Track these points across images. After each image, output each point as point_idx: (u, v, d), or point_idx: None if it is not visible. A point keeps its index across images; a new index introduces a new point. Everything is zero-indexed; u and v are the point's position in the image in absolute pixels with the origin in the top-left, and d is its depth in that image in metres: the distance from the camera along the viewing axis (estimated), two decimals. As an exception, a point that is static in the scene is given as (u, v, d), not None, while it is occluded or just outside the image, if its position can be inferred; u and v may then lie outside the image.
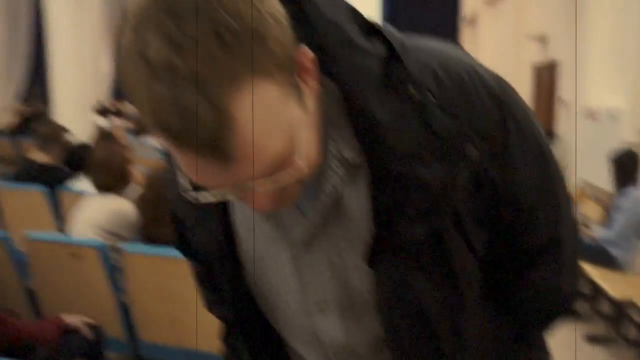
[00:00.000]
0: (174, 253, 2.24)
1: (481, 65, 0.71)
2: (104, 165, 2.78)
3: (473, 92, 0.67)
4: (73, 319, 2.24)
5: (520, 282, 0.79)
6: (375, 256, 0.69)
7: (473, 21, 13.78)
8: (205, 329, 2.29)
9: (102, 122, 9.07)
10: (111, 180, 2.73)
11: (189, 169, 0.57)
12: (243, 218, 0.77)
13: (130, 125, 6.77)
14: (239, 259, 0.79)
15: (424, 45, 0.70)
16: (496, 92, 0.69)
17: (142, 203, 2.48)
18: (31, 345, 1.95)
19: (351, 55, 0.64)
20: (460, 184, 0.66)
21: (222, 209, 0.76)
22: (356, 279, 0.73)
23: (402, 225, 0.66)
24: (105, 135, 3.58)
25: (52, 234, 2.52)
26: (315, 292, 0.76)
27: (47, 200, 3.46)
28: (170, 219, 0.85)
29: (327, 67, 0.65)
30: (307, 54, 0.60)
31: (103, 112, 9.72)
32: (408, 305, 0.71)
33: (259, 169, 0.56)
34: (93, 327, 2.31)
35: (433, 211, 0.66)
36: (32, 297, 2.64)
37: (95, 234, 2.57)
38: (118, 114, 9.96)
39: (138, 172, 3.08)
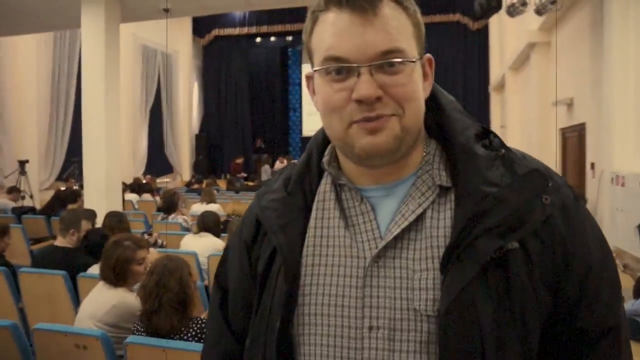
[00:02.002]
0: (173, 344, 2.28)
1: None
2: (106, 258, 2.89)
3: (550, 170, 0.83)
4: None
5: None
6: (447, 263, 0.77)
7: (501, 87, 13.90)
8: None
9: (134, 197, 9.39)
10: (113, 277, 2.84)
11: (337, 30, 0.77)
12: (320, 226, 0.87)
13: (160, 203, 6.96)
14: (300, 272, 0.85)
15: None
16: (568, 184, 0.84)
17: (144, 292, 2.52)
18: None
19: (463, 118, 0.86)
20: (532, 221, 0.77)
21: (304, 217, 0.87)
22: (421, 299, 0.78)
23: (477, 234, 0.76)
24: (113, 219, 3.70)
25: (57, 325, 2.58)
26: (373, 310, 0.80)
27: (66, 285, 3.56)
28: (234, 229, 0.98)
29: (441, 125, 0.86)
30: (430, 61, 0.85)
31: (136, 189, 10.05)
32: (465, 310, 0.74)
33: (384, 38, 0.76)
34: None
35: (507, 228, 0.76)
36: (38, 386, 2.68)
37: (96, 326, 2.63)
38: (150, 191, 10.28)
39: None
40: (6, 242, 4.33)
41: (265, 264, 0.88)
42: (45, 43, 11.36)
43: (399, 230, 0.81)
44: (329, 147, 0.90)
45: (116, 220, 4.19)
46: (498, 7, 7.25)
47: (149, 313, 2.49)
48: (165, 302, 2.47)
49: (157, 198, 8.86)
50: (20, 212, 7.15)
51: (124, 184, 10.21)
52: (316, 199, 0.89)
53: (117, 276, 2.85)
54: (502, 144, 0.84)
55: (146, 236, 4.63)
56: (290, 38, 16.57)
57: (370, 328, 0.79)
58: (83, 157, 6.57)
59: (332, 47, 0.77)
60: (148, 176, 13.06)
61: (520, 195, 0.78)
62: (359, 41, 0.76)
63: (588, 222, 0.83)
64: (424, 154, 0.86)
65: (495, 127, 12.90)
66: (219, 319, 0.97)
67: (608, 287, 0.81)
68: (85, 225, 4.07)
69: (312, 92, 0.86)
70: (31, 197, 9.86)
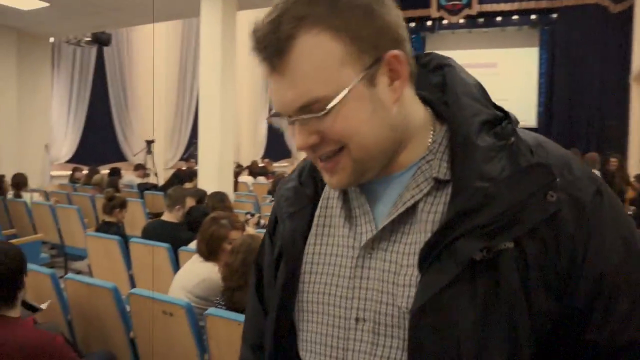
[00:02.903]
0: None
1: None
2: (202, 233, 3.05)
3: (574, 163, 0.75)
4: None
5: None
6: (425, 261, 0.73)
7: (641, 76, 12.67)
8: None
9: (249, 179, 9.79)
10: (206, 252, 3.00)
11: (270, 90, 0.74)
12: (324, 215, 0.87)
13: (270, 185, 7.20)
14: (302, 260, 0.87)
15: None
16: (594, 176, 0.76)
17: (229, 270, 2.63)
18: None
19: (472, 104, 0.77)
20: (528, 220, 0.70)
21: (312, 207, 0.88)
22: (403, 296, 0.76)
23: (460, 233, 0.70)
24: (214, 199, 3.87)
25: (149, 292, 2.78)
26: (361, 302, 0.79)
27: (169, 256, 3.82)
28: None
29: (450, 112, 0.79)
30: (402, 62, 0.73)
31: (253, 171, 10.48)
32: (442, 312, 0.70)
33: (297, 97, 0.71)
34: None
35: (495, 228, 0.69)
36: (133, 345, 2.91)
37: (186, 296, 2.79)
38: (265, 174, 10.67)
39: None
40: (123, 215, 4.72)
41: (279, 251, 0.90)
42: (175, 29, 12.14)
43: (387, 221, 0.78)
44: None
45: (218, 199, 4.41)
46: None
47: (232, 290, 2.60)
48: (246, 280, 2.56)
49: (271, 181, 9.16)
50: (144, 188, 7.77)
51: (240, 166, 10.71)
52: (325, 189, 0.89)
53: (209, 251, 3.00)
54: (514, 132, 0.76)
55: (249, 216, 4.82)
56: (413, 24, 16.22)
57: (357, 320, 0.79)
58: (198, 140, 6.95)
59: (274, 103, 0.77)
60: (266, 160, 13.55)
61: (515, 192, 0.70)
62: (279, 98, 0.74)
63: (610, 221, 0.73)
64: (431, 141, 0.81)
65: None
66: (254, 299, 1.01)
67: (628, 297, 0.71)
68: (189, 202, 4.32)
69: None
70: (156, 174, 10.67)
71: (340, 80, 0.70)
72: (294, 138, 0.75)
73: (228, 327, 2.42)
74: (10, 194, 7.29)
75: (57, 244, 6.37)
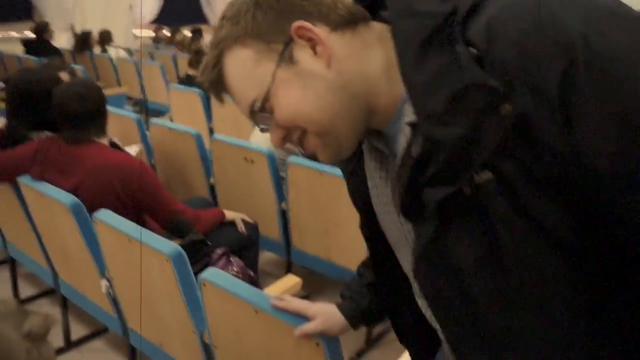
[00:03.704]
0: (332, 170, 2.30)
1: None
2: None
3: (532, 40, 0.57)
4: (233, 215, 2.46)
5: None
6: (408, 212, 0.71)
7: None
8: (352, 247, 2.34)
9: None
10: None
11: None
12: (372, 177, 0.88)
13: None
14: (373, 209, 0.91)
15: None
16: (569, 40, 0.55)
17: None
18: (190, 226, 2.19)
19: (404, 24, 0.67)
20: (488, 144, 0.60)
21: (363, 168, 0.90)
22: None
23: (423, 183, 0.66)
24: None
25: (232, 138, 2.75)
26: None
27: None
28: None
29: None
30: (310, 29, 0.71)
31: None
32: (442, 262, 0.70)
33: (244, 107, 0.76)
34: (250, 224, 2.51)
35: (452, 171, 0.63)
36: (212, 190, 2.96)
37: (268, 145, 2.74)
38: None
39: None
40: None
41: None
42: None
43: (394, 176, 0.74)
44: None
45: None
46: None
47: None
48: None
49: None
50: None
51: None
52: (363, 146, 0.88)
53: None
54: (458, 37, 0.62)
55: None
56: None
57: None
58: None
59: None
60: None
61: (459, 123, 0.60)
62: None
63: (594, 98, 0.54)
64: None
65: None
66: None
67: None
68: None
69: None
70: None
71: (262, 76, 0.73)
72: None
73: (308, 176, 2.37)
74: (96, 50, 7.45)
75: (139, 100, 6.53)
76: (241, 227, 2.44)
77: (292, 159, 2.44)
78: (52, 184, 2.11)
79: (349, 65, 0.72)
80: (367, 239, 0.98)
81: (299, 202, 2.50)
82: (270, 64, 0.73)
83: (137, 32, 10.14)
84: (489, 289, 0.67)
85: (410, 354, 1.08)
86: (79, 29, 8.22)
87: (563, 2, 0.58)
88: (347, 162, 0.92)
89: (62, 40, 8.44)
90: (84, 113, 2.13)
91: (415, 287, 0.87)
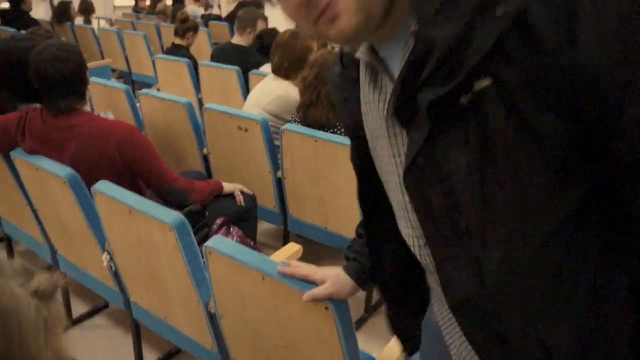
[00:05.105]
0: (325, 136, 2.29)
1: None
2: (285, 49, 2.91)
3: None
4: (230, 186, 2.45)
5: (634, 204, 0.63)
6: (402, 120, 0.72)
7: None
8: (349, 214, 2.35)
9: None
10: (292, 66, 2.86)
11: None
12: (364, 97, 0.86)
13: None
14: (365, 137, 0.91)
15: None
16: None
17: (303, 84, 2.54)
18: (186, 195, 2.18)
19: None
20: (482, 45, 0.60)
21: (356, 91, 0.88)
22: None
23: (416, 86, 0.66)
24: None
25: (224, 107, 2.72)
26: (402, 159, 0.79)
27: (238, 80, 3.74)
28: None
29: None
30: None
31: None
32: (431, 168, 0.70)
33: None
34: (248, 195, 2.51)
35: (445, 74, 0.63)
36: (206, 161, 2.94)
37: (260, 113, 2.73)
38: None
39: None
40: (194, 39, 4.62)
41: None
42: None
43: (392, 91, 0.72)
44: None
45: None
46: None
47: (307, 105, 2.52)
48: (323, 95, 2.47)
49: None
50: (207, 19, 7.56)
51: None
52: (360, 69, 0.86)
53: (292, 67, 2.89)
54: None
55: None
56: None
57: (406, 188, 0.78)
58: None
59: None
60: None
61: (452, 24, 0.61)
62: None
63: (594, 6, 0.55)
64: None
65: None
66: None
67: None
68: (260, 25, 4.14)
69: None
70: (219, 7, 10.38)
71: None
72: (287, 5, 0.70)
73: (303, 143, 2.36)
74: (78, 21, 7.27)
75: (124, 72, 6.42)
76: (240, 198, 2.44)
77: (287, 126, 2.43)
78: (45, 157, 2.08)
79: None
80: (356, 167, 0.98)
81: (295, 170, 2.49)
82: None
83: (117, 2, 9.91)
84: (477, 197, 0.67)
85: (392, 310, 1.09)
86: (56, -1, 8.01)
87: None
88: (342, 89, 0.91)
89: (39, 11, 8.23)
90: (63, 78, 2.02)
91: (402, 214, 0.86)
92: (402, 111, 0.71)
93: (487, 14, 0.59)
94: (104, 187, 1.79)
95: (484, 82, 0.61)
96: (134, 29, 7.12)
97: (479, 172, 0.66)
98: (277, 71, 2.95)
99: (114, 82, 3.60)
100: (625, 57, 0.55)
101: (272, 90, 2.88)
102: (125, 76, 6.45)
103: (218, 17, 8.21)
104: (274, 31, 4.03)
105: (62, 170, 1.95)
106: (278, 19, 5.42)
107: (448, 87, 0.63)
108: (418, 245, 0.85)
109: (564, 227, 0.66)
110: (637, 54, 0.55)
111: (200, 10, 8.35)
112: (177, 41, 4.52)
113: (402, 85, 0.68)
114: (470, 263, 0.71)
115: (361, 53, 0.80)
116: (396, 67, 0.74)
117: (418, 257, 0.87)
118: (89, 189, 1.86)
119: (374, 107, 0.83)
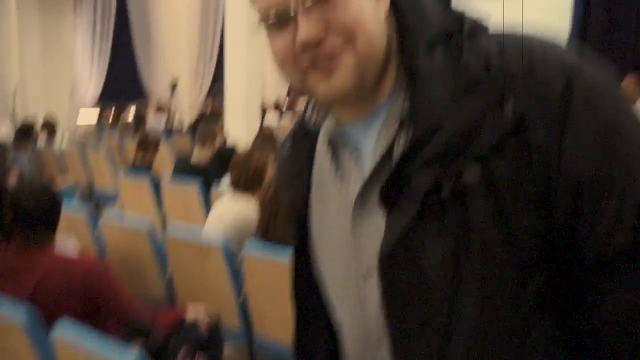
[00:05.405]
0: (287, 259, 2.34)
1: (571, 49, 0.70)
2: (241, 166, 2.99)
3: (537, 56, 0.67)
4: (194, 311, 2.45)
5: (587, 303, 0.67)
6: (388, 199, 0.70)
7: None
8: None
9: (273, 118, 9.71)
10: (249, 184, 2.94)
11: None
12: (319, 179, 0.84)
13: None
14: (308, 224, 0.87)
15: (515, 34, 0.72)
16: (568, 63, 0.67)
17: (260, 206, 2.60)
18: (147, 329, 2.17)
19: (418, 19, 0.72)
20: (481, 142, 0.65)
21: (307, 171, 0.85)
22: None
23: (415, 167, 0.67)
24: (262, 137, 3.81)
25: (186, 231, 2.77)
26: (365, 257, 0.77)
27: (200, 196, 3.81)
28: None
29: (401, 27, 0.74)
30: None
31: (277, 108, 10.37)
32: (408, 254, 0.69)
33: None
34: (212, 319, 2.51)
35: (447, 159, 0.66)
36: (169, 286, 2.94)
37: (222, 233, 2.78)
38: (291, 108, 10.56)
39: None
40: (154, 157, 4.73)
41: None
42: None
43: (368, 174, 0.74)
44: None
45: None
46: None
47: (264, 226, 2.57)
48: (280, 215, 2.52)
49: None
50: (169, 131, 7.75)
51: (266, 104, 10.59)
52: (316, 148, 0.86)
53: (249, 183, 2.95)
54: (467, 43, 0.69)
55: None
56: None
57: (365, 276, 0.77)
58: (224, 78, 6.83)
59: (264, 2, 0.71)
60: (290, 95, 13.37)
61: (463, 112, 0.65)
62: None
63: (586, 116, 0.64)
64: (396, 79, 0.75)
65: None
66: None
67: (615, 195, 0.63)
68: (219, 139, 4.27)
69: None
70: (180, 116, 10.60)
71: None
72: (287, 40, 0.70)
73: (265, 267, 2.41)
74: (40, 139, 7.37)
75: (87, 188, 6.45)
76: (204, 322, 2.44)
77: (246, 251, 2.47)
78: None
79: (384, 29, 0.73)
80: (297, 260, 0.90)
81: (258, 292, 2.51)
82: None
83: (81, 114, 10.09)
84: (448, 290, 0.68)
85: None
86: (20, 114, 8.13)
87: (554, 43, 0.70)
88: (291, 166, 0.88)
89: (1, 127, 8.31)
90: (40, 214, 2.05)
91: (354, 312, 0.81)
92: (388, 192, 0.70)
93: (497, 109, 0.65)
94: (63, 330, 1.77)
95: (475, 171, 0.65)
96: (97, 144, 7.23)
97: (453, 266, 0.67)
98: (235, 188, 3.02)
99: (75, 206, 3.63)
100: (608, 168, 0.64)
101: (230, 211, 2.94)
102: (88, 193, 6.48)
103: (180, 128, 8.42)
104: (232, 148, 4.17)
105: (19, 313, 1.92)
106: (238, 132, 5.62)
107: (448, 172, 0.65)
108: (366, 346, 0.80)
109: (525, 323, 0.68)
110: (619, 167, 0.64)
111: (162, 122, 8.57)
112: (139, 160, 4.62)
113: (396, 165, 0.69)
114: (432, 359, 0.71)
115: (326, 128, 0.81)
116: (367, 145, 0.75)
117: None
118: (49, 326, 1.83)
119: (332, 189, 0.82)
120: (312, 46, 0.68)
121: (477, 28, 0.72)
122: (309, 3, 0.67)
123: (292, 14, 0.68)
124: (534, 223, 0.65)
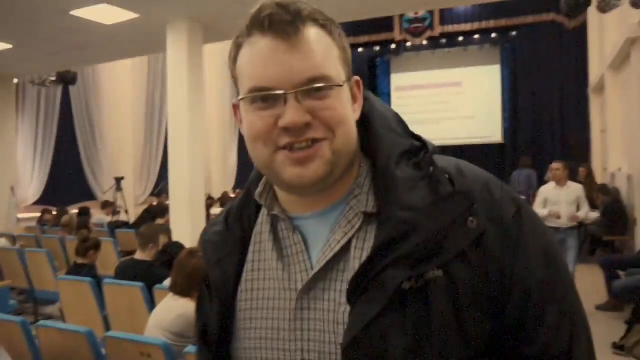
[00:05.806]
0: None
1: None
2: (180, 267, 2.98)
3: (493, 186, 0.79)
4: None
5: None
6: (353, 295, 0.73)
7: (600, 89, 13.04)
8: None
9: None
10: (187, 287, 2.91)
11: (261, 58, 0.75)
12: (257, 260, 0.85)
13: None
14: (236, 308, 0.85)
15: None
16: (516, 197, 0.80)
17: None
18: None
19: (390, 136, 0.81)
20: (451, 248, 0.72)
21: (241, 251, 0.86)
22: (344, 334, 0.74)
23: (386, 264, 0.71)
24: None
25: (124, 333, 2.69)
26: (305, 344, 0.79)
27: (143, 296, 3.72)
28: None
29: (370, 146, 0.82)
30: (359, 83, 0.83)
31: (225, 203, 10.38)
32: (371, 346, 0.71)
33: (310, 65, 0.74)
34: None
35: (419, 257, 0.71)
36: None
37: (163, 335, 2.72)
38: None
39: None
40: (97, 256, 4.61)
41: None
42: (141, 64, 12.08)
43: (324, 262, 0.78)
44: (264, 177, 0.87)
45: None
46: (586, 3, 6.71)
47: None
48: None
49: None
50: (114, 227, 7.61)
51: (212, 198, 10.59)
52: (254, 232, 0.88)
53: (189, 286, 2.93)
54: (432, 161, 0.79)
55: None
56: (377, 48, 16.41)
57: (318, 356, 0.78)
58: (169, 174, 6.86)
59: (257, 76, 0.75)
60: (237, 190, 13.48)
61: (436, 221, 0.73)
62: (284, 68, 0.74)
63: (532, 238, 0.77)
64: (357, 176, 0.82)
65: (595, 131, 12.08)
66: (200, 348, 0.97)
67: (555, 308, 0.75)
68: (162, 239, 4.23)
69: (239, 122, 0.83)
70: (126, 212, 10.47)
71: (340, 72, 0.78)
72: (269, 118, 0.75)
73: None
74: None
75: (26, 289, 6.18)
76: None
77: (190, 348, 2.42)
78: None
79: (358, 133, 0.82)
80: (211, 335, 0.86)
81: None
82: (344, 73, 0.79)
83: (21, 215, 9.80)
84: None
85: None
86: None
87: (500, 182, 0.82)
88: (218, 249, 0.87)
89: None
90: None
91: None
92: (358, 285, 0.73)
93: (463, 223, 0.73)
94: None
95: (437, 272, 0.71)
96: (38, 243, 7.01)
97: (415, 353, 0.70)
98: (173, 289, 2.99)
99: (8, 316, 3.47)
100: (550, 280, 0.76)
101: (172, 310, 2.90)
102: (27, 294, 6.20)
103: (126, 224, 8.29)
104: (178, 244, 4.14)
105: None
106: (182, 235, 5.57)
107: (417, 271, 0.70)
108: None
109: None
110: (557, 280, 0.76)
111: (107, 218, 8.42)
112: (80, 260, 4.50)
113: (368, 259, 0.73)
114: None
115: (271, 214, 0.84)
116: (319, 236, 0.80)
117: None
118: None
119: (272, 276, 0.83)
120: (295, 130, 0.74)
121: (435, 148, 0.82)
122: (304, 90, 0.73)
123: (284, 95, 0.73)
124: (485, 323, 0.73)
